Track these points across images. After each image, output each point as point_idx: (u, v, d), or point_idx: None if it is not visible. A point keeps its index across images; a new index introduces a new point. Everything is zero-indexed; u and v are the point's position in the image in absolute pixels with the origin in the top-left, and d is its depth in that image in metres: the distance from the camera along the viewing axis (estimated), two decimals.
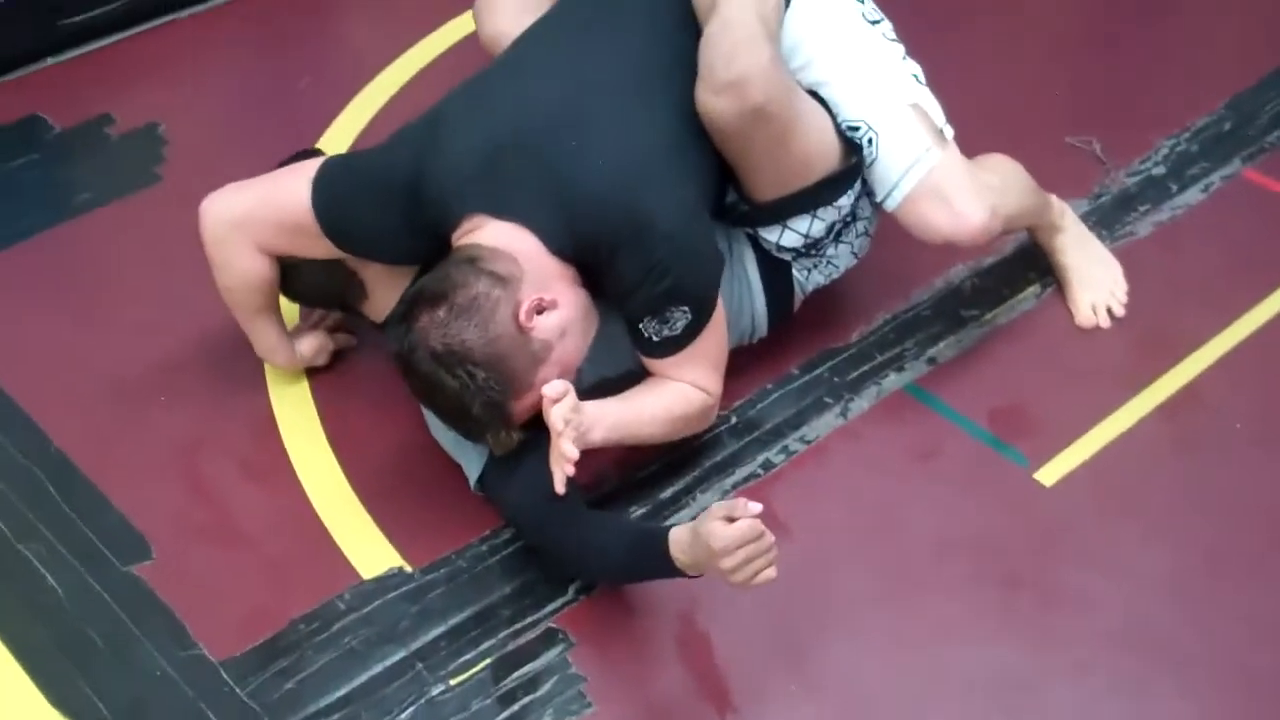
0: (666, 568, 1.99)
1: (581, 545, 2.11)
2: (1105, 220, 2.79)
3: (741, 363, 2.44)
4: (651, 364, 2.21)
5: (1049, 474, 2.35)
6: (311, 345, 2.47)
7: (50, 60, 3.16)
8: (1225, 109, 3.07)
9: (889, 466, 2.37)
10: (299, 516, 2.26)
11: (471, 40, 2.77)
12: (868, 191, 2.37)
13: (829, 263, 2.42)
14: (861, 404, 2.45)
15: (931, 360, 2.52)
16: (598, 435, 2.08)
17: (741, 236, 2.37)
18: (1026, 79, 3.21)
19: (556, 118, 2.14)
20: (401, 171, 2.18)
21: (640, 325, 2.15)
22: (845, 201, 2.32)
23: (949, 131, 2.37)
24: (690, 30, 2.21)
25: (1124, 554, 2.24)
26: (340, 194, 2.22)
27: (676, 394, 2.21)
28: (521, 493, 2.11)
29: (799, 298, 2.45)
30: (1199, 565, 2.23)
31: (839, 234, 2.37)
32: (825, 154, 2.26)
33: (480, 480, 2.18)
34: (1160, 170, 2.92)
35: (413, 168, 2.17)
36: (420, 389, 2.07)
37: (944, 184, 2.31)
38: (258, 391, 2.47)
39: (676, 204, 2.12)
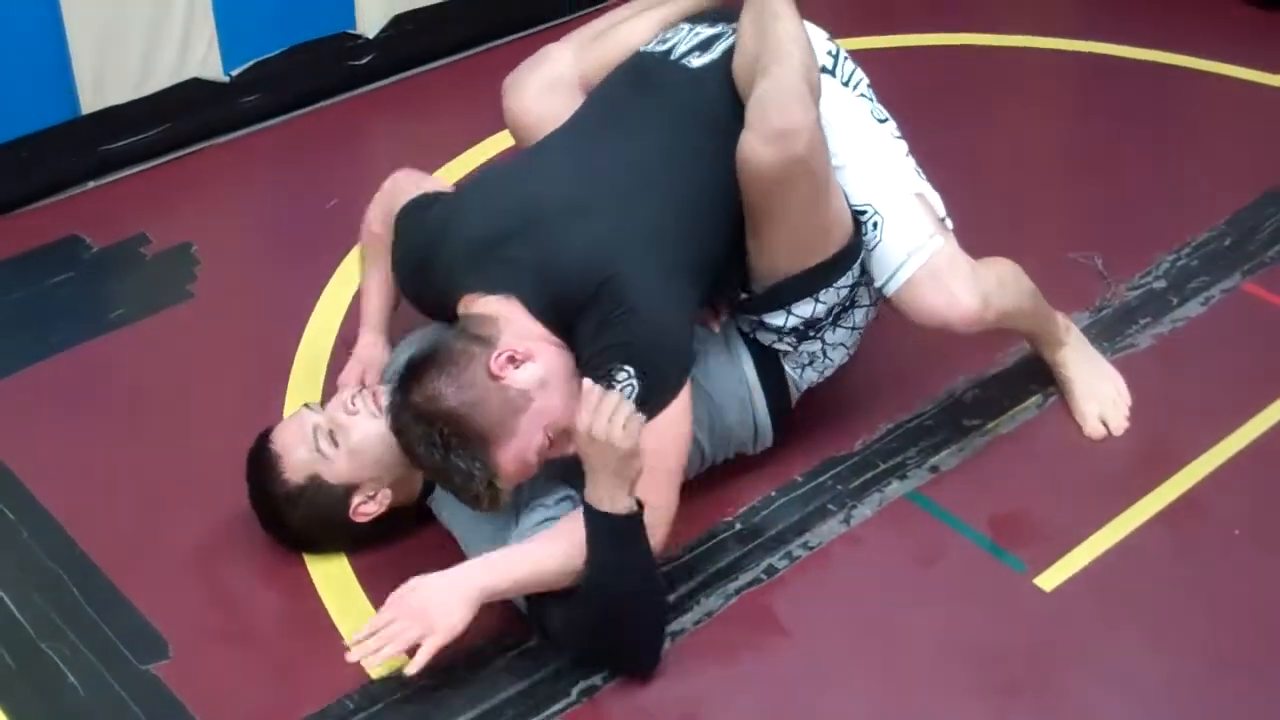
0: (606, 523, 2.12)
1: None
2: (1106, 332, 2.86)
3: (747, 469, 2.52)
4: None
5: (1048, 579, 2.38)
6: None
7: (91, 184, 3.31)
8: (1226, 225, 3.14)
9: (891, 572, 2.41)
10: (312, 617, 2.32)
11: None
12: (866, 280, 2.44)
13: (824, 355, 2.47)
14: (864, 511, 2.50)
15: (934, 469, 2.58)
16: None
17: (739, 341, 2.45)
18: (1029, 195, 3.31)
19: (559, 206, 2.27)
20: (420, 248, 2.38)
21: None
22: (846, 282, 2.39)
23: (949, 222, 2.48)
24: (711, 131, 2.33)
25: (1125, 660, 2.26)
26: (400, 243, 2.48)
27: None
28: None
29: (794, 396, 2.52)
30: (1200, 672, 2.24)
31: (837, 318, 2.43)
32: (842, 226, 2.37)
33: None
34: (1161, 284, 2.99)
35: (426, 247, 2.36)
36: (407, 446, 2.17)
37: (943, 270, 2.40)
38: None
39: (654, 286, 2.20)
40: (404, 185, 2.58)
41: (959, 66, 3.76)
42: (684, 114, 2.39)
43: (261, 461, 2.35)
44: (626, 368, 2.15)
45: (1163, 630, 2.32)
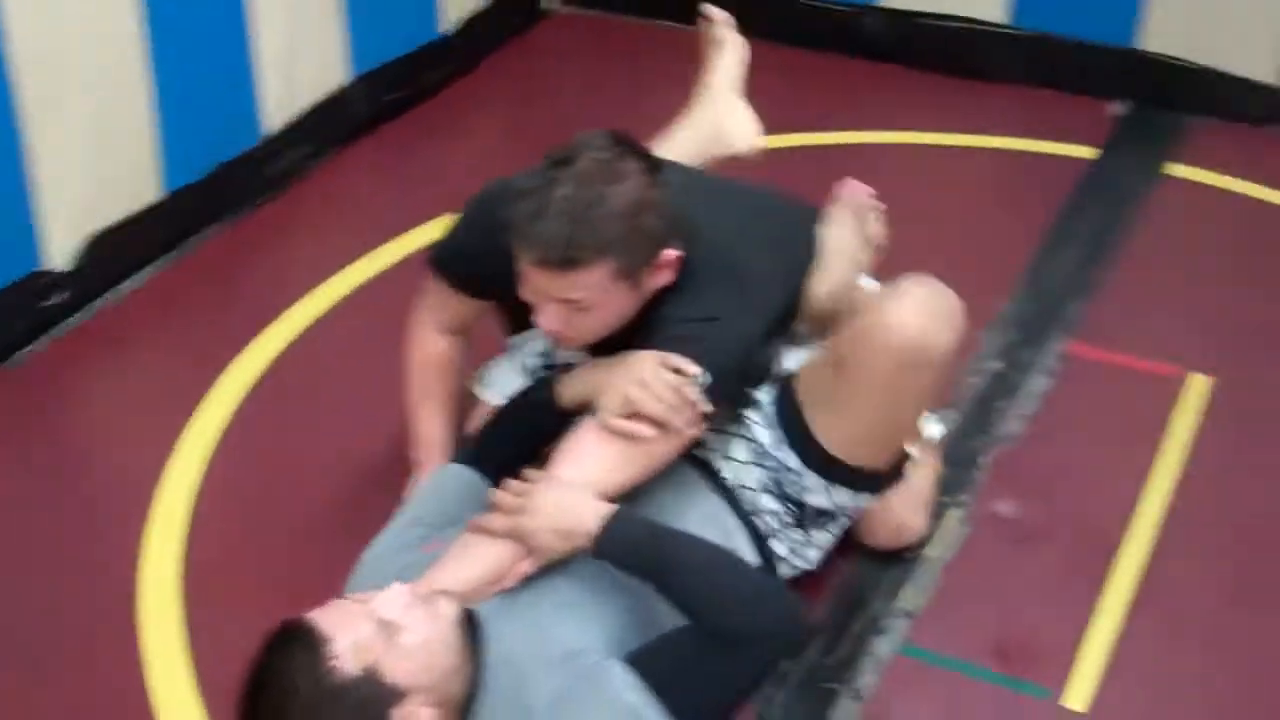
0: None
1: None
2: (979, 426, 2.81)
3: None
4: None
5: (1076, 699, 2.27)
6: None
7: None
8: (1022, 291, 3.19)
9: None
10: None
11: None
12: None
13: (800, 551, 2.33)
14: (868, 680, 2.31)
15: (908, 614, 2.43)
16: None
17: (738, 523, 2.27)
18: None
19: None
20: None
21: None
22: (865, 502, 2.33)
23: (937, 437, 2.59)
24: None
25: None
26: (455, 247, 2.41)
27: None
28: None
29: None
30: None
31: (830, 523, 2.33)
32: (911, 436, 2.31)
33: None
34: (999, 364, 2.98)
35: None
36: None
37: (916, 491, 2.48)
38: None
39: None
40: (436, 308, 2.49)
41: None
42: None
43: (296, 644, 1.81)
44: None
45: (1216, 709, 2.28)
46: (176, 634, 2.38)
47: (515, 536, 2.00)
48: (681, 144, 2.74)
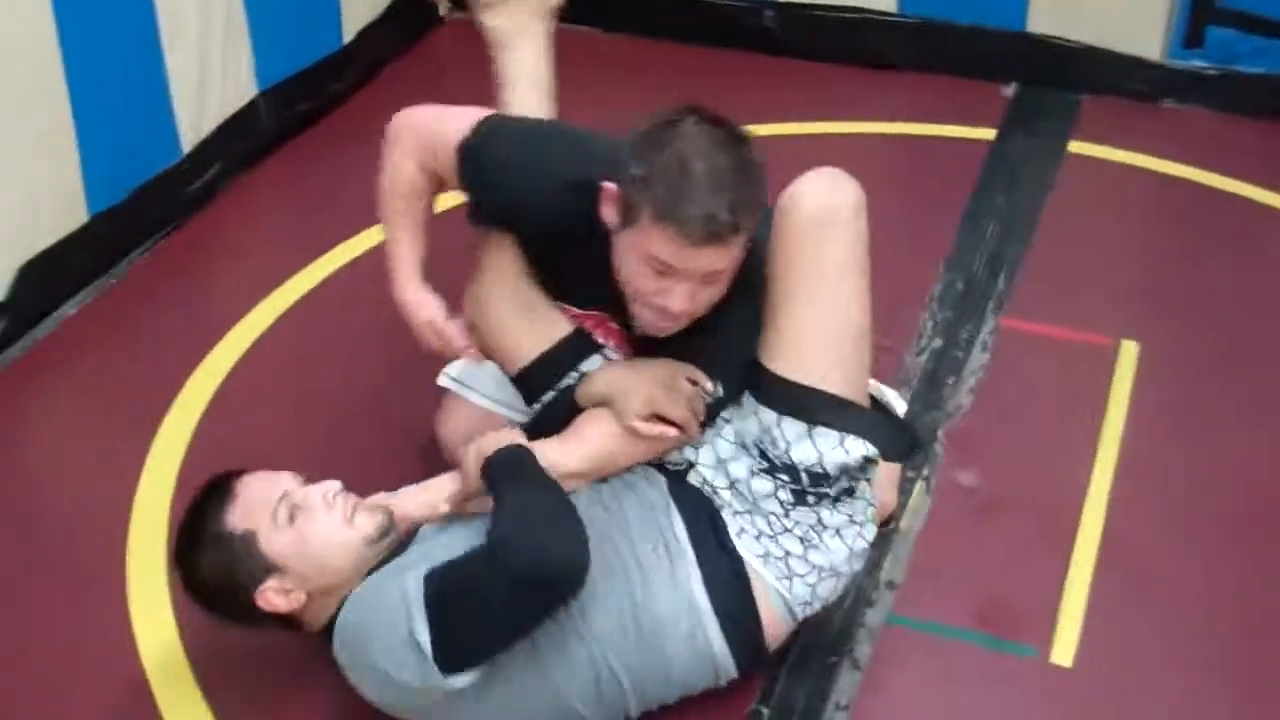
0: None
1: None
2: (932, 402, 2.91)
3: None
4: None
5: (1063, 655, 2.38)
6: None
7: None
8: (946, 271, 3.30)
9: (929, 707, 2.32)
10: None
11: None
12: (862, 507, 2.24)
13: (819, 541, 2.18)
14: (865, 650, 2.39)
15: (890, 584, 2.51)
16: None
17: (683, 552, 2.17)
18: None
19: None
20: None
21: None
22: (857, 454, 2.16)
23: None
24: None
25: (1183, 694, 2.31)
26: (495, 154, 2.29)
27: None
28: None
29: (783, 623, 2.21)
30: (1236, 687, 2.33)
31: (839, 497, 2.19)
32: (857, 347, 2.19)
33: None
34: (939, 343, 3.08)
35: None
36: None
37: (888, 471, 2.51)
38: None
39: None
40: (429, 123, 2.36)
41: None
42: None
43: (214, 493, 2.15)
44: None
45: (1186, 653, 2.39)
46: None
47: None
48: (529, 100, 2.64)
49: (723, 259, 2.06)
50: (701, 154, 2.02)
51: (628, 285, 2.14)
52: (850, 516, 2.21)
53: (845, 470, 2.17)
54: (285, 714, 2.28)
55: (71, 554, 2.59)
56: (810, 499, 2.18)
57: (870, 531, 2.25)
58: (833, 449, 2.15)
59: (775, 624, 2.20)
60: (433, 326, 2.39)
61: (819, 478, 2.17)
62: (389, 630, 1.98)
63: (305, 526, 2.10)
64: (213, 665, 2.35)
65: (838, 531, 2.20)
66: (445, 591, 1.96)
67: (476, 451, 2.15)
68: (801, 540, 2.19)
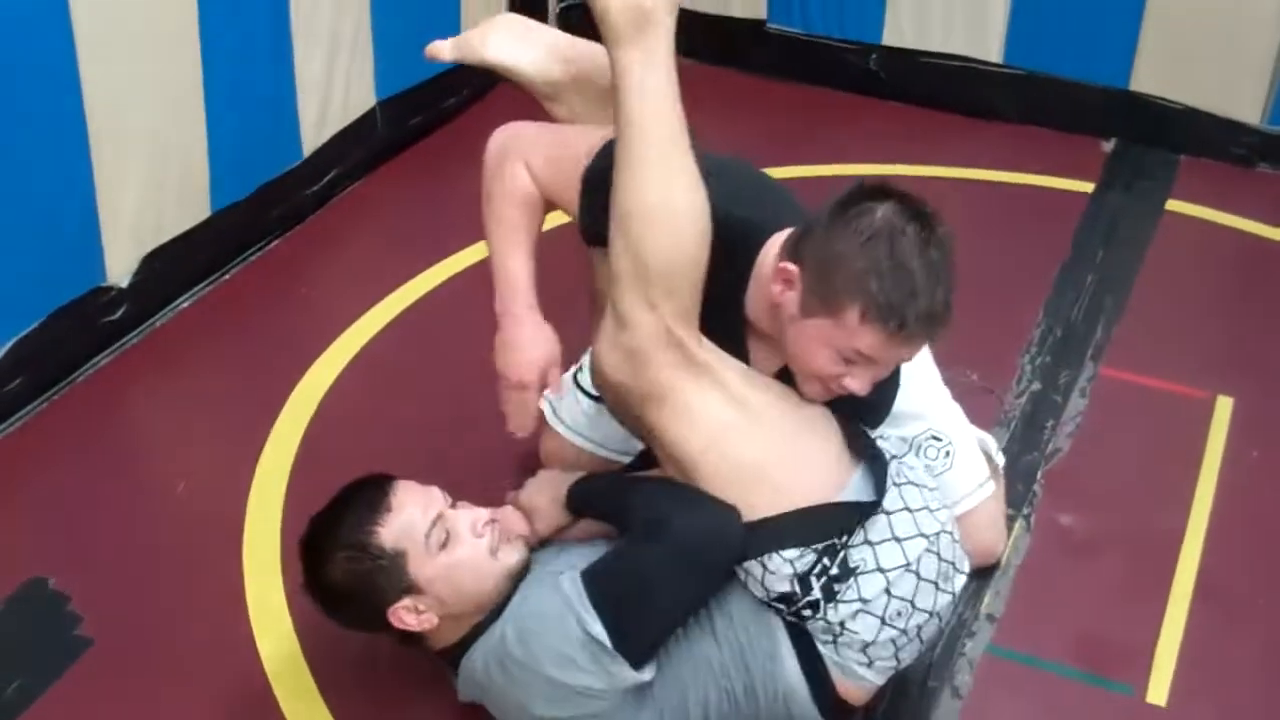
0: None
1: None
2: (1029, 444, 2.96)
3: None
4: None
5: (1157, 694, 2.42)
6: None
7: None
8: (1044, 318, 3.36)
9: None
10: None
11: None
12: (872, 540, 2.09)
13: (844, 629, 2.07)
14: (965, 679, 2.44)
15: (990, 618, 2.56)
16: None
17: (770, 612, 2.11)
18: None
19: None
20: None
21: None
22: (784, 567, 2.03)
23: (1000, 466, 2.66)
24: None
25: None
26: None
27: None
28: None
29: (850, 685, 2.13)
30: None
31: (828, 591, 2.06)
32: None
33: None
34: (1038, 386, 3.13)
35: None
36: None
37: (992, 513, 2.59)
38: None
39: None
40: (548, 141, 2.32)
41: None
42: None
43: (367, 498, 2.14)
44: None
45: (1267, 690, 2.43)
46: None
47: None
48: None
49: (921, 348, 2.09)
50: (915, 249, 1.95)
51: (805, 366, 2.06)
52: (860, 598, 2.06)
53: (799, 578, 2.04)
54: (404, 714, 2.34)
55: (185, 547, 2.66)
56: (806, 614, 2.08)
57: (905, 583, 2.09)
58: (767, 575, 2.05)
59: (850, 690, 2.14)
60: (521, 389, 2.27)
61: (788, 598, 2.07)
62: (561, 638, 2.02)
63: (454, 555, 2.12)
64: (327, 664, 2.41)
65: (854, 616, 2.06)
66: (609, 586, 2.01)
67: (542, 501, 2.23)
68: (834, 641, 2.10)
